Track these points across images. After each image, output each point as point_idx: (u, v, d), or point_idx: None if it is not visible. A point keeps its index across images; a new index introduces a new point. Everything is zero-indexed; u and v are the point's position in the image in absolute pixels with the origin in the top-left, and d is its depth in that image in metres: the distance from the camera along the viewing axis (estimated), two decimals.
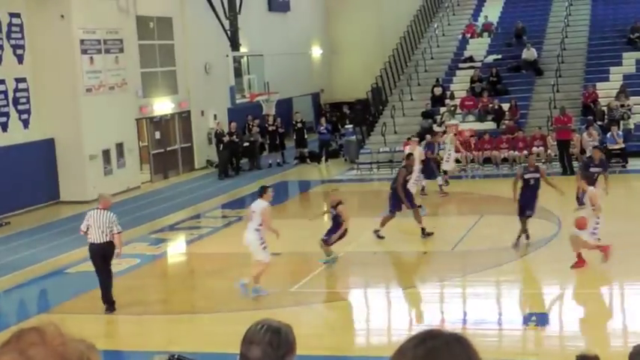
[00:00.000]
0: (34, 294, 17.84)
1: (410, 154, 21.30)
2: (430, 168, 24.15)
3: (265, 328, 3.30)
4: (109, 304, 14.98)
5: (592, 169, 18.62)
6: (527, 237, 17.83)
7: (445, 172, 26.22)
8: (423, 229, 19.35)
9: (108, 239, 14.79)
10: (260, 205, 15.22)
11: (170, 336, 13.94)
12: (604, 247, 15.72)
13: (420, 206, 21.69)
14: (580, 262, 15.73)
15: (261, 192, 15.54)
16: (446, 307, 15.13)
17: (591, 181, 17.90)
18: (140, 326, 14.64)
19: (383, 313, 15.13)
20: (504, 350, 12.54)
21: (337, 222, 17.10)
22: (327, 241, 17.02)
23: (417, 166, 21.77)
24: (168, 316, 15.26)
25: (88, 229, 14.87)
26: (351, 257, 18.38)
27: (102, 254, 14.90)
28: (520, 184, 17.87)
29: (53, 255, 19.58)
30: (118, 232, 14.90)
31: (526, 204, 17.66)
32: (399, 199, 19.26)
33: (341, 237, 17.02)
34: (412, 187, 20.69)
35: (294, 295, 15.70)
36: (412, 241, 19.49)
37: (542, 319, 13.72)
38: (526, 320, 13.74)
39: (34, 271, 18.45)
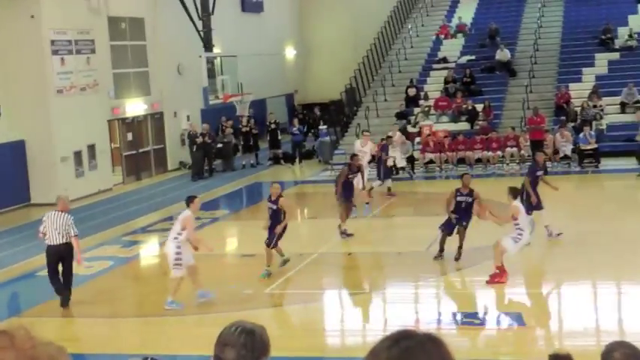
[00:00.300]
0: (5, 297, 17.59)
1: (354, 155, 21.45)
2: (385, 169, 24.20)
3: (240, 330, 3.28)
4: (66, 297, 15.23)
5: (537, 174, 18.68)
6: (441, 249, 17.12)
7: (403, 169, 26.79)
8: (340, 226, 19.42)
9: (65, 241, 14.89)
10: (183, 214, 14.96)
11: (143, 338, 13.84)
12: (501, 272, 15.24)
13: (367, 203, 21.84)
14: (499, 275, 15.25)
15: (188, 201, 15.08)
16: (420, 308, 15.10)
17: (535, 184, 18.04)
18: (113, 329, 14.51)
19: (357, 314, 15.10)
20: (478, 350, 12.53)
21: (277, 218, 16.37)
22: (271, 245, 16.39)
23: (366, 160, 21.90)
24: (141, 318, 15.14)
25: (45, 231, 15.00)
26: (325, 258, 18.33)
27: (59, 256, 15.03)
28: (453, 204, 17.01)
29: (24, 258, 19.35)
30: (75, 235, 15.00)
31: (451, 222, 16.95)
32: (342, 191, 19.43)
33: (282, 234, 16.45)
34: (360, 183, 20.82)
35: (268, 296, 15.63)
36: (386, 241, 19.48)
37: (516, 319, 13.74)
38: (499, 319, 13.77)
39: (5, 275, 18.26)
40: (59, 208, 15.09)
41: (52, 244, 14.93)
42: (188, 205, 14.99)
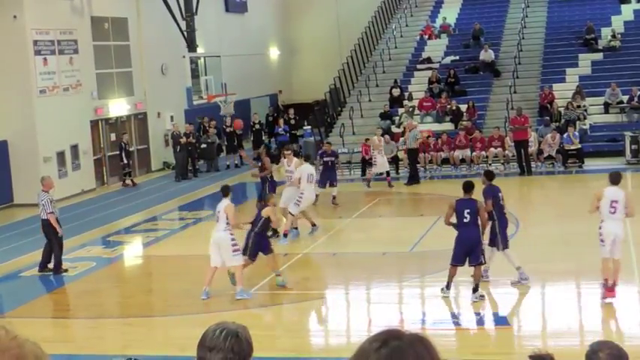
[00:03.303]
0: None
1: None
2: (329, 176, 23.79)
3: (225, 333, 3.24)
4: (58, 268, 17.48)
5: None
6: None
7: (388, 173, 26.52)
8: (274, 230, 18.74)
9: (44, 217, 17.35)
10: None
11: (127, 339, 13.76)
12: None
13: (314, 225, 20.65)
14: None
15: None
16: (405, 308, 15.09)
17: None
18: (97, 330, 14.43)
19: (341, 314, 15.07)
20: (462, 350, 12.53)
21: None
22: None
23: (296, 177, 20.34)
24: (124, 319, 15.05)
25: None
26: (309, 258, 18.31)
27: (44, 229, 17.50)
28: None
29: (7, 258, 19.26)
30: (50, 213, 17.27)
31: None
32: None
33: None
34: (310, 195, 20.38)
35: (253, 296, 15.55)
36: (371, 242, 19.46)
37: (499, 319, 13.76)
38: (483, 320, 13.78)
39: None
40: (43, 188, 17.48)
41: (42, 218, 17.47)
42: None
